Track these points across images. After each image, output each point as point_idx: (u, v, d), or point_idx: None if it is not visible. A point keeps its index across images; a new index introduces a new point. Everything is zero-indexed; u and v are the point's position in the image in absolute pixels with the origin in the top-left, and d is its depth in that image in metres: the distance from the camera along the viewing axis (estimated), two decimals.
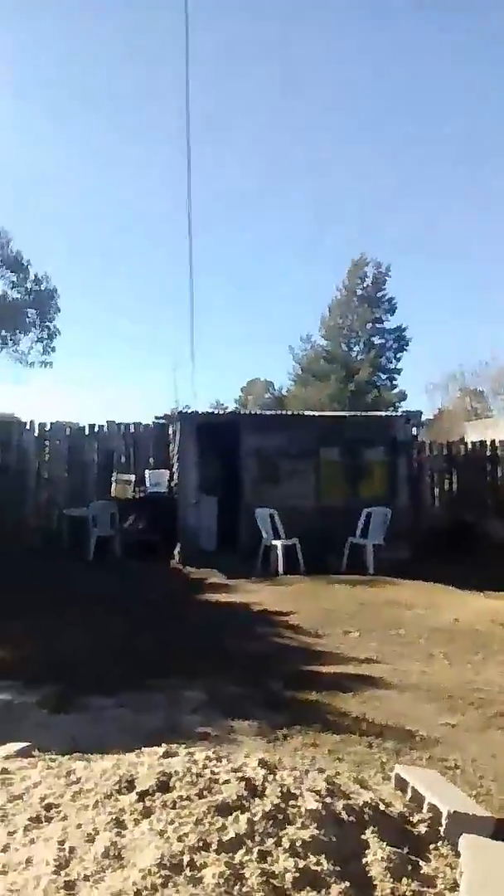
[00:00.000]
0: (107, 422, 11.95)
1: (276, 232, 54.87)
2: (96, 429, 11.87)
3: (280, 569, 9.40)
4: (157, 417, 12.15)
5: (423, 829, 2.52)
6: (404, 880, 2.17)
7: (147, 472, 11.52)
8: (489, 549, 10.42)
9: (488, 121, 43.40)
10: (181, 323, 76.94)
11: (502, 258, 50.86)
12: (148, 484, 11.38)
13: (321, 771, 2.87)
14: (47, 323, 21.38)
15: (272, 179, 50.74)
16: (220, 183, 47.93)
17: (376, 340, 36.89)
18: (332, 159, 49.34)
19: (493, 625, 6.43)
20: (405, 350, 36.96)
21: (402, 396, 35.75)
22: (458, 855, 2.30)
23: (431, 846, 2.44)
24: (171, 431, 11.68)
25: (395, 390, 36.27)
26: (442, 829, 2.51)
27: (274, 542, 9.72)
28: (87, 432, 11.83)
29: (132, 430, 12.04)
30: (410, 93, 43.11)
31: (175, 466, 11.20)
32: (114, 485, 11.25)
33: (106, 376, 57.02)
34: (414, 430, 12.98)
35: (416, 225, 51.80)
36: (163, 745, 2.89)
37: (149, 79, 36.52)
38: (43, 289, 21.06)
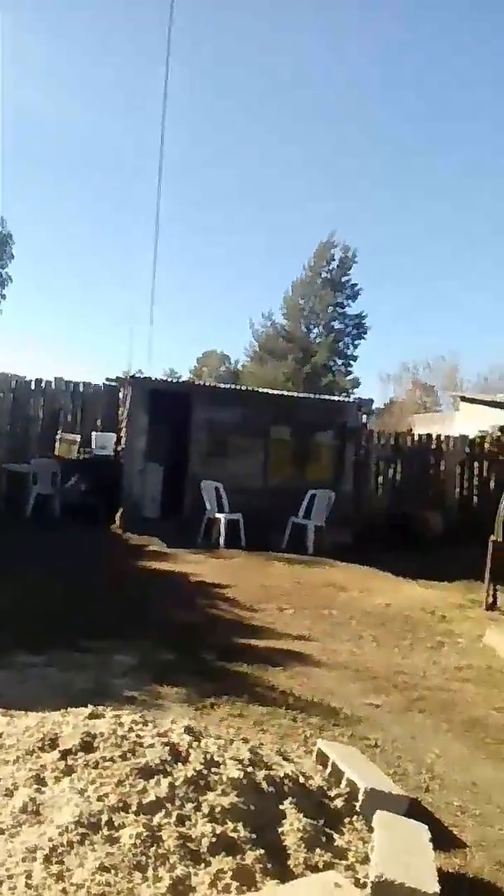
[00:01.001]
0: (55, 378, 11.60)
1: (248, 203, 54.40)
2: (43, 384, 11.53)
3: (221, 542, 9.42)
4: (108, 379, 11.89)
5: (339, 803, 2.59)
6: (318, 851, 2.22)
7: (94, 433, 11.30)
8: (427, 540, 10.71)
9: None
10: (142, 285, 75.57)
11: (462, 258, 51.71)
12: (94, 446, 11.18)
13: (245, 741, 2.91)
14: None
15: (247, 143, 50.10)
16: (193, 147, 47.01)
17: (336, 325, 37.08)
18: (309, 129, 49.02)
19: (423, 612, 6.62)
20: (363, 338, 37.34)
21: (356, 383, 36.19)
22: (371, 830, 2.36)
23: (346, 820, 2.51)
24: (121, 395, 11.47)
25: (350, 377, 36.67)
26: (358, 805, 2.59)
27: (217, 515, 9.73)
28: (33, 387, 11.47)
29: (81, 389, 11.75)
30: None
31: (123, 431, 11.02)
32: (58, 443, 11.00)
33: (57, 332, 55.69)
34: (364, 418, 13.14)
35: (384, 215, 52.15)
36: (89, 706, 2.87)
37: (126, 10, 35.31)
38: None
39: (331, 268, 36.91)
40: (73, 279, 54.62)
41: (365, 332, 37.20)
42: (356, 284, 36.92)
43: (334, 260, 36.89)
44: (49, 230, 49.74)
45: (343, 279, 36.76)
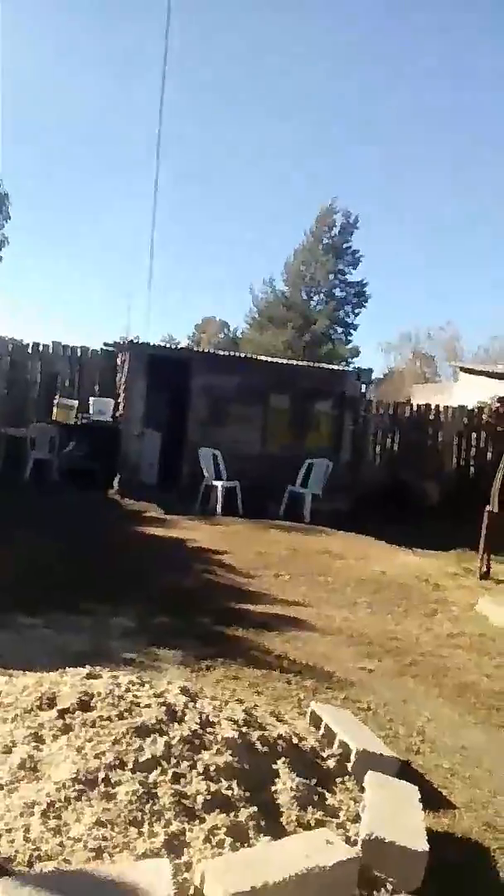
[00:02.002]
0: (52, 342, 11.52)
1: (250, 166, 53.39)
2: (40, 348, 11.44)
3: (219, 509, 9.47)
4: (106, 344, 11.80)
5: (331, 763, 2.64)
6: (310, 809, 2.27)
7: (91, 398, 11.25)
8: (423, 509, 10.77)
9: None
10: (140, 250, 74.51)
11: (469, 227, 51.06)
12: (92, 411, 11.14)
13: (240, 702, 2.95)
14: None
15: (248, 108, 48.98)
16: (193, 110, 45.95)
17: (337, 292, 36.71)
18: (310, 94, 47.89)
19: (418, 580, 6.68)
20: (364, 306, 37.02)
21: (356, 352, 35.99)
22: (362, 790, 2.42)
23: (338, 780, 2.56)
24: (119, 360, 11.39)
25: (350, 345, 36.44)
26: (350, 766, 2.64)
27: (215, 483, 9.75)
28: (30, 350, 11.38)
29: (79, 353, 11.67)
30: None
31: (121, 396, 10.97)
32: (55, 408, 10.96)
33: (55, 295, 55.09)
34: (363, 388, 13.11)
35: (387, 182, 51.26)
36: (87, 666, 2.91)
37: None
38: None
39: (332, 234, 36.40)
40: (70, 243, 53.91)
41: (366, 301, 36.89)
42: (357, 251, 36.48)
43: (336, 226, 36.36)
44: (46, 191, 48.93)
45: (344, 245, 36.28)
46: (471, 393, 14.16)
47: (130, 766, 2.17)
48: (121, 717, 2.39)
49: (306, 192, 56.19)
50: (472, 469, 12.64)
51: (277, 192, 54.79)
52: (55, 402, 11.01)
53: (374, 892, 2.01)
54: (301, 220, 53.65)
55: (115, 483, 10.05)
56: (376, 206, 52.82)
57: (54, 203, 52.80)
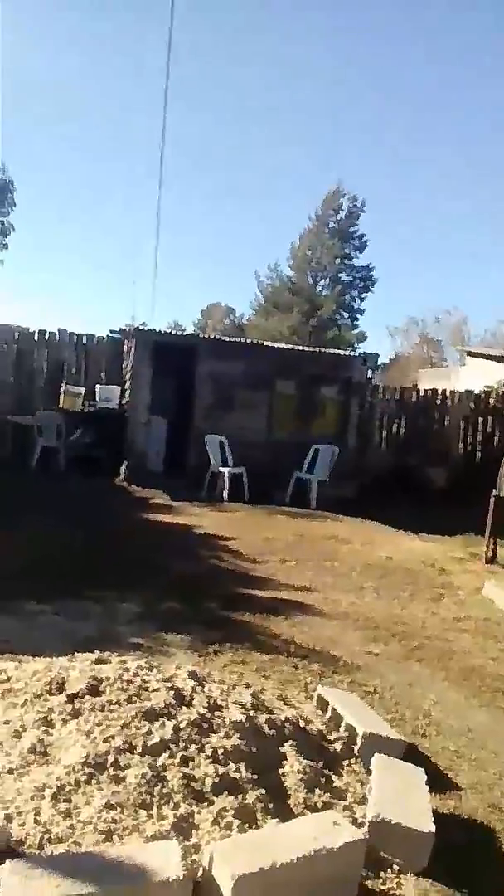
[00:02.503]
0: (58, 329, 11.49)
1: (254, 151, 52.84)
2: (46, 335, 11.43)
3: (225, 496, 9.48)
4: (112, 331, 11.77)
5: (338, 746, 2.67)
6: (317, 791, 2.30)
7: (98, 386, 11.25)
8: (429, 495, 10.75)
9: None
10: (146, 237, 74.09)
11: (477, 214, 50.50)
12: (98, 398, 11.14)
13: (247, 686, 2.98)
14: (1, 218, 20.09)
15: (254, 96, 48.41)
16: (198, 98, 45.47)
17: (343, 277, 36.44)
18: (317, 78, 47.27)
19: (424, 565, 6.69)
20: (370, 290, 36.76)
21: (362, 337, 35.78)
22: (369, 773, 2.44)
23: (345, 763, 2.58)
24: (125, 347, 11.37)
25: (356, 330, 36.23)
26: (356, 748, 2.66)
27: (221, 469, 9.76)
28: (36, 338, 11.37)
29: (85, 341, 11.64)
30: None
31: (127, 383, 10.97)
32: (62, 396, 10.97)
33: (60, 283, 54.91)
34: (369, 373, 13.05)
35: (394, 164, 50.68)
36: (95, 651, 2.94)
37: None
38: None
39: (338, 217, 36.09)
40: (76, 230, 53.69)
41: (372, 285, 36.63)
42: (364, 235, 36.17)
43: (342, 209, 36.04)
44: (50, 178, 48.60)
45: (351, 229, 35.97)
46: (478, 377, 14.09)
47: (139, 749, 2.20)
48: (129, 701, 2.42)
49: (313, 176, 55.62)
50: (478, 454, 12.59)
51: (283, 176, 54.30)
52: (62, 389, 11.02)
53: (381, 873, 2.04)
54: (307, 205, 53.23)
55: (122, 470, 10.08)
56: (383, 190, 52.22)
57: (58, 190, 52.49)
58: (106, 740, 2.20)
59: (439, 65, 46.53)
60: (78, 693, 2.45)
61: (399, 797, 2.22)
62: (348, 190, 35.73)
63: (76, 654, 2.93)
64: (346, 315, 36.60)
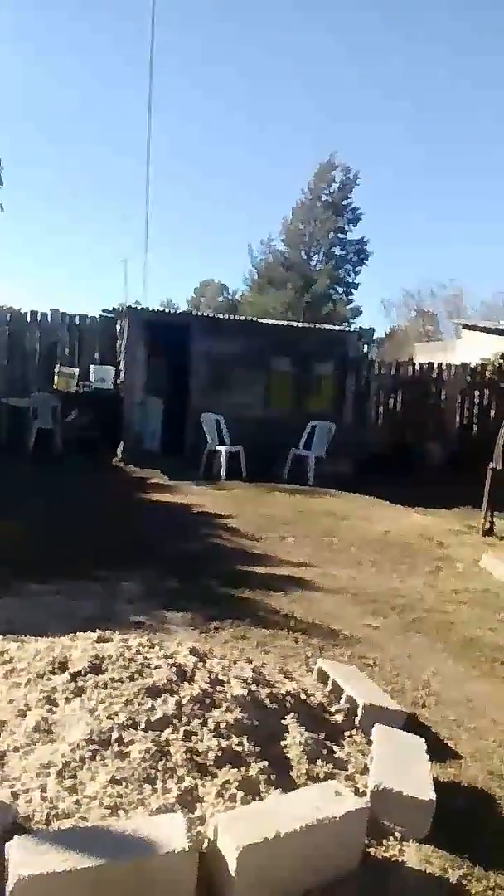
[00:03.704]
0: (50, 310, 11.39)
1: (244, 122, 52.01)
2: (39, 316, 11.33)
3: (223, 474, 9.49)
4: (104, 310, 11.69)
5: (339, 718, 2.69)
6: (319, 762, 2.32)
7: (92, 366, 11.19)
8: (426, 469, 10.79)
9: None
10: (135, 212, 73.15)
11: (470, 182, 49.92)
12: (92, 379, 11.09)
13: (248, 661, 3.00)
14: None
15: (240, 66, 47.51)
16: (184, 69, 44.57)
17: (337, 251, 36.18)
18: (309, 47, 46.40)
19: (422, 539, 6.73)
20: (364, 264, 36.52)
21: (357, 312, 35.67)
22: (370, 743, 2.47)
23: (346, 734, 2.61)
24: (119, 327, 11.29)
25: (351, 305, 36.08)
26: (357, 720, 2.69)
27: (218, 448, 9.76)
28: (28, 319, 11.28)
29: (77, 321, 11.55)
30: None
31: (122, 364, 10.91)
32: (56, 377, 10.91)
33: (52, 263, 54.32)
34: (365, 348, 13.01)
35: (389, 134, 49.96)
36: (97, 630, 2.95)
37: None
38: None
39: (331, 190, 35.71)
40: (65, 208, 52.95)
41: (366, 259, 36.38)
42: (357, 208, 35.85)
43: (335, 182, 35.63)
44: (41, 157, 47.78)
45: (344, 202, 35.60)
46: (474, 350, 14.04)
47: (143, 725, 2.22)
48: (132, 678, 2.44)
49: (305, 148, 54.81)
50: (475, 427, 12.61)
51: (275, 149, 53.52)
52: (55, 370, 10.96)
53: (384, 841, 2.07)
54: (299, 177, 52.51)
55: (119, 451, 10.07)
56: (377, 161, 51.58)
57: (48, 168, 51.64)
58: (109, 717, 2.22)
59: (436, 28, 45.57)
60: (80, 671, 2.47)
61: (400, 766, 2.25)
62: (341, 161, 35.31)
63: (78, 633, 2.94)
64: (340, 290, 36.39)
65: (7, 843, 1.63)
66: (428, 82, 49.17)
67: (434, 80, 47.96)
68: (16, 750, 2.13)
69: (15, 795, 1.93)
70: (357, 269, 36.57)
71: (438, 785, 2.23)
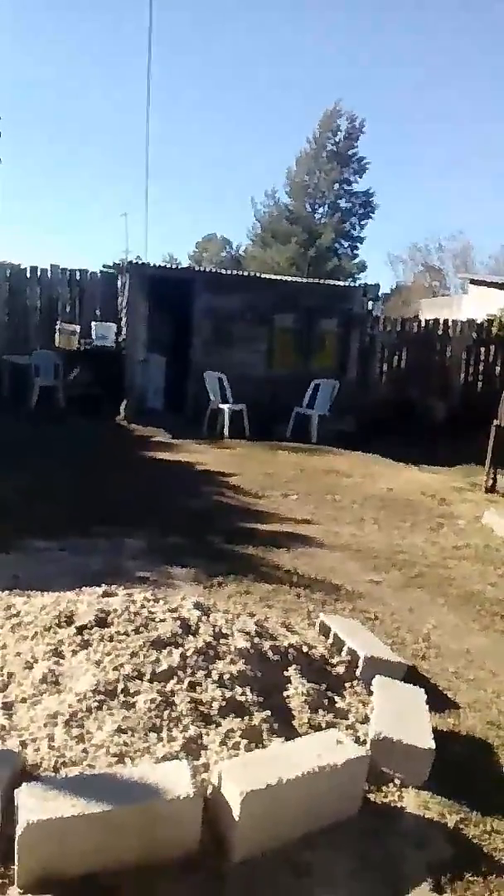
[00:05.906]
0: (51, 265, 11.20)
1: (246, 70, 50.31)
2: (39, 273, 11.15)
3: (226, 432, 9.48)
4: (105, 266, 11.49)
5: (341, 669, 2.74)
6: (320, 712, 2.38)
7: (93, 323, 11.06)
8: (430, 427, 10.74)
9: None
10: (136, 165, 71.38)
11: (480, 134, 48.43)
12: (94, 336, 10.96)
13: (252, 615, 3.05)
14: None
15: (242, 11, 45.67)
16: (183, 15, 42.85)
17: (342, 203, 35.28)
18: None
19: (424, 496, 6.75)
20: (370, 217, 35.67)
21: (362, 267, 34.99)
22: (370, 694, 2.52)
23: (347, 685, 2.66)
24: (120, 283, 11.12)
25: (356, 260, 35.38)
26: (358, 671, 2.74)
27: (221, 406, 9.72)
28: (28, 275, 11.10)
29: (78, 277, 11.37)
30: None
31: (123, 320, 10.79)
32: (57, 334, 10.80)
33: (48, 217, 53.32)
34: (370, 304, 12.81)
35: (397, 84, 48.29)
36: (103, 585, 2.99)
37: None
38: None
39: (337, 139, 34.61)
40: (64, 160, 51.70)
41: (372, 211, 35.49)
42: (363, 158, 34.76)
43: (340, 131, 34.53)
44: (38, 107, 46.43)
45: (350, 152, 34.56)
46: (481, 306, 13.81)
47: (148, 676, 2.26)
48: (137, 631, 2.47)
49: (309, 95, 53.08)
50: (480, 384, 12.50)
51: (278, 95, 51.85)
52: (56, 328, 10.85)
53: (384, 787, 2.13)
54: (303, 126, 50.94)
55: (122, 409, 10.04)
56: (383, 109, 49.93)
57: (46, 121, 50.21)
58: (115, 669, 2.26)
59: None
60: (87, 625, 2.50)
61: (400, 716, 2.30)
62: (347, 109, 34.15)
63: (83, 588, 2.98)
64: (345, 244, 35.64)
65: (16, 790, 1.68)
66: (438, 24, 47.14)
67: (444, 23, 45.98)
68: (23, 701, 2.18)
69: (23, 744, 1.98)
70: (363, 223, 35.75)
71: (437, 734, 2.28)
